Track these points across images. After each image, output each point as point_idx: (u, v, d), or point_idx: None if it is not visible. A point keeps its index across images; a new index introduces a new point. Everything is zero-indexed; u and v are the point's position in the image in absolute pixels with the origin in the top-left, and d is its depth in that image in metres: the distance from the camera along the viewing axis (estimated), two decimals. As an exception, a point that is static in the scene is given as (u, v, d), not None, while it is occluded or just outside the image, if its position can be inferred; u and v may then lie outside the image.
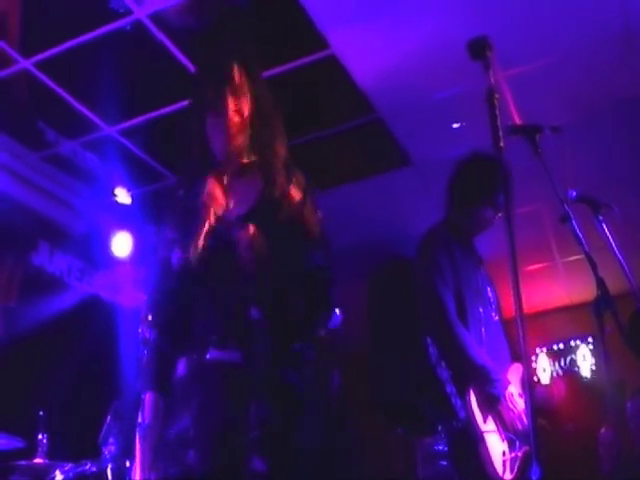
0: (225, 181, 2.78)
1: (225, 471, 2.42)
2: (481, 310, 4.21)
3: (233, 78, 2.77)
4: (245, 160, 2.80)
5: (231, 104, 2.73)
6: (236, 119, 2.74)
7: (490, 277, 4.52)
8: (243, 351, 2.52)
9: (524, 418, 3.97)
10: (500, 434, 3.92)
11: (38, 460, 5.16)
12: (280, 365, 2.56)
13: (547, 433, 3.87)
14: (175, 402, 2.56)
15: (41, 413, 5.27)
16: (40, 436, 5.23)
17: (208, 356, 2.54)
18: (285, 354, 2.58)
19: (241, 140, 2.76)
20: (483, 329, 4.15)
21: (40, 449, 5.21)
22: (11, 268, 6.54)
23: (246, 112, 2.76)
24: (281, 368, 2.57)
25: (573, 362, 9.50)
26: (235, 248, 2.59)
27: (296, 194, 2.82)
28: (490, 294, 4.38)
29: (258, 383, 2.51)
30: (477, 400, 3.90)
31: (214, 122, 2.75)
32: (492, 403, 3.93)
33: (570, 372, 9.39)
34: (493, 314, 4.31)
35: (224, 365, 2.53)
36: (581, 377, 9.36)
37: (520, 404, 4.02)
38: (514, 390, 4.05)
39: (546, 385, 8.86)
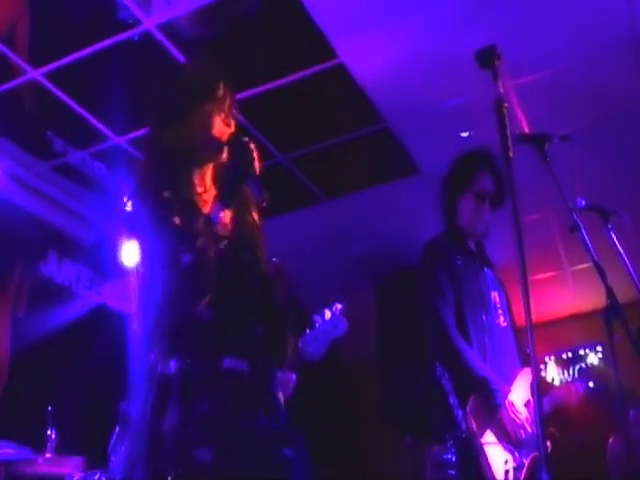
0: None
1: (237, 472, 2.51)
2: (484, 318, 4.20)
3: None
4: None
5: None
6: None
7: (499, 280, 4.50)
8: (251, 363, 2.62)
9: (527, 426, 3.96)
10: (502, 443, 3.91)
11: (47, 469, 5.16)
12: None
13: (556, 442, 3.86)
14: (175, 401, 2.58)
15: (50, 408, 5.28)
16: (49, 431, 5.25)
17: (225, 364, 2.61)
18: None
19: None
20: (486, 337, 4.15)
21: (49, 447, 5.23)
22: (20, 278, 6.55)
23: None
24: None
25: (582, 370, 9.46)
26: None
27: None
28: (497, 299, 4.36)
29: (265, 393, 2.59)
30: (477, 411, 3.90)
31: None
32: (492, 413, 3.93)
33: (587, 373, 9.33)
34: (501, 320, 4.30)
35: (237, 373, 2.62)
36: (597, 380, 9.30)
37: (523, 412, 4.01)
38: (516, 398, 4.04)
39: (564, 386, 8.79)
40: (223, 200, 2.77)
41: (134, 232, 2.87)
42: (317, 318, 3.87)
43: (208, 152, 2.91)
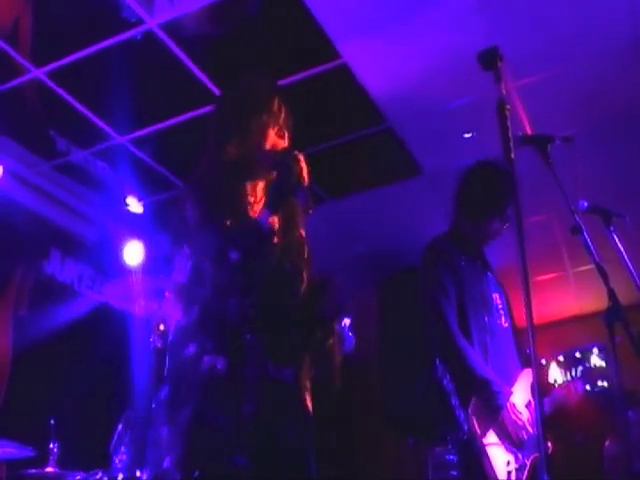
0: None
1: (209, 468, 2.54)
2: (486, 319, 4.20)
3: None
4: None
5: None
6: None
7: (500, 283, 4.51)
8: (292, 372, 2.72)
9: (529, 428, 3.96)
10: (504, 444, 3.91)
11: (49, 469, 5.15)
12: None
13: (556, 443, 3.86)
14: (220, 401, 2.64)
15: (52, 422, 5.27)
16: (51, 445, 5.23)
17: (271, 371, 2.70)
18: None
19: None
20: (488, 338, 4.14)
21: (51, 457, 5.21)
22: (22, 276, 6.55)
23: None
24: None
25: (584, 371, 9.45)
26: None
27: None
28: (499, 300, 4.37)
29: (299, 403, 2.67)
30: (479, 412, 3.90)
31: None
32: (494, 415, 3.93)
33: (588, 373, 9.31)
34: (502, 320, 4.30)
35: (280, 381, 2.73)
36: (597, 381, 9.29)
37: (524, 414, 4.01)
38: (518, 400, 4.04)
39: (564, 385, 8.76)
40: (270, 207, 2.84)
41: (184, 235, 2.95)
42: None
43: (263, 166, 3.01)
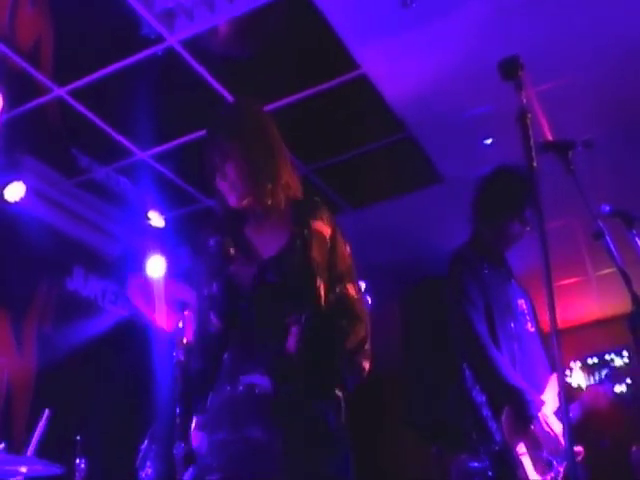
0: (253, 226, 2.92)
1: None
2: (513, 325, 4.19)
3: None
4: (269, 201, 2.88)
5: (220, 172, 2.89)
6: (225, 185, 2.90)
7: (523, 288, 4.50)
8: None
9: (560, 438, 3.94)
10: (537, 454, 3.89)
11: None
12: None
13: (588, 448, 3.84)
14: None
15: (78, 438, 5.28)
16: (78, 461, 5.24)
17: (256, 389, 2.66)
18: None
19: (246, 194, 2.87)
20: (516, 345, 4.13)
21: (78, 474, 5.22)
22: (46, 293, 6.59)
23: (234, 174, 2.87)
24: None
25: (608, 375, 9.41)
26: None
27: (325, 229, 2.89)
28: (525, 306, 4.36)
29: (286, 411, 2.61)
30: (511, 422, 3.88)
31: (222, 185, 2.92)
32: (526, 425, 3.91)
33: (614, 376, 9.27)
34: (529, 326, 4.29)
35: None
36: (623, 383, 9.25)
37: (556, 424, 3.99)
38: (549, 410, 4.02)
39: (591, 389, 8.71)
40: None
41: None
42: None
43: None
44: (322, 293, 2.77)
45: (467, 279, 4.22)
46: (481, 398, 3.89)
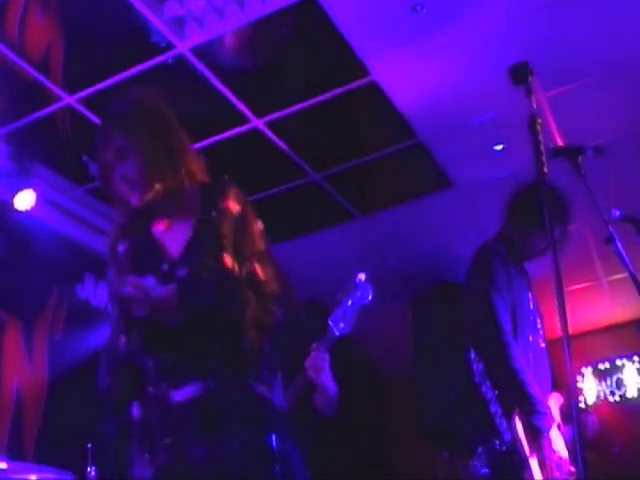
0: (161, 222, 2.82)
1: None
2: (530, 338, 4.17)
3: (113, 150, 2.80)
4: (173, 194, 2.79)
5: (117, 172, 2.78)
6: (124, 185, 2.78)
7: (537, 303, 4.48)
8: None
9: (563, 466, 3.90)
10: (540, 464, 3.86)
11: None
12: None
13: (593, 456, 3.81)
14: None
15: (89, 446, 5.27)
16: (89, 469, 5.23)
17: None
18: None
19: (148, 190, 2.77)
20: (532, 356, 4.11)
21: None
22: (57, 301, 6.59)
23: (133, 172, 2.76)
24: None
25: (620, 381, 9.38)
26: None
27: (234, 206, 2.79)
28: (538, 321, 4.34)
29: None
30: (524, 427, 3.85)
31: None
32: (536, 436, 3.87)
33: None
34: (540, 341, 4.28)
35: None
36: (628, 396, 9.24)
37: (562, 451, 3.94)
38: (555, 433, 3.99)
39: (591, 411, 8.71)
40: None
41: None
42: (341, 295, 3.84)
43: None
44: (231, 267, 2.67)
45: (498, 269, 4.16)
46: (491, 394, 3.85)
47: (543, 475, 3.83)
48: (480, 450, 3.95)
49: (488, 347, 3.99)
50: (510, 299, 4.11)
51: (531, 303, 4.31)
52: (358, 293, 3.83)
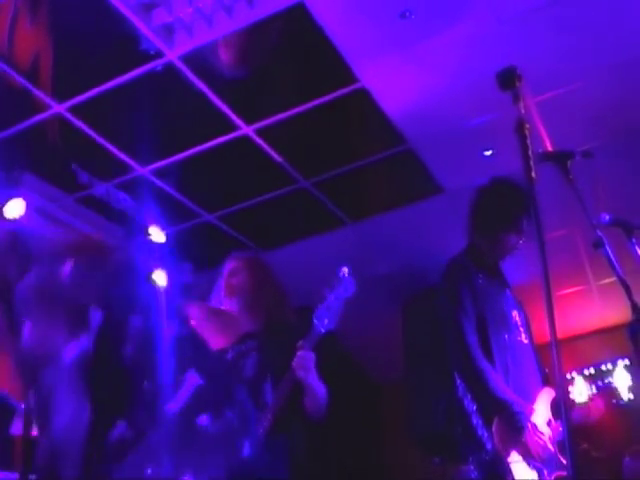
0: None
1: None
2: (506, 336, 4.20)
3: None
4: None
5: None
6: None
7: (518, 300, 4.51)
8: None
9: (549, 446, 3.94)
10: (528, 463, 3.88)
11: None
12: None
13: (588, 457, 3.84)
14: None
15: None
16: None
17: None
18: None
19: None
20: (509, 356, 4.14)
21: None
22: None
23: None
24: None
25: (610, 385, 9.40)
26: None
27: None
28: (517, 318, 4.37)
29: None
30: (502, 432, 3.88)
31: None
32: (517, 435, 3.91)
33: (608, 390, 9.27)
34: (522, 337, 4.30)
35: None
36: (619, 397, 9.25)
37: (545, 432, 3.99)
38: (539, 419, 4.02)
39: (584, 404, 8.74)
40: None
41: None
42: (325, 290, 3.84)
43: None
44: None
45: (462, 288, 4.22)
46: (471, 407, 3.89)
47: (534, 462, 3.88)
48: (471, 458, 3.98)
49: (460, 364, 4.05)
50: (477, 310, 4.16)
51: (505, 303, 4.33)
52: (342, 287, 3.83)
